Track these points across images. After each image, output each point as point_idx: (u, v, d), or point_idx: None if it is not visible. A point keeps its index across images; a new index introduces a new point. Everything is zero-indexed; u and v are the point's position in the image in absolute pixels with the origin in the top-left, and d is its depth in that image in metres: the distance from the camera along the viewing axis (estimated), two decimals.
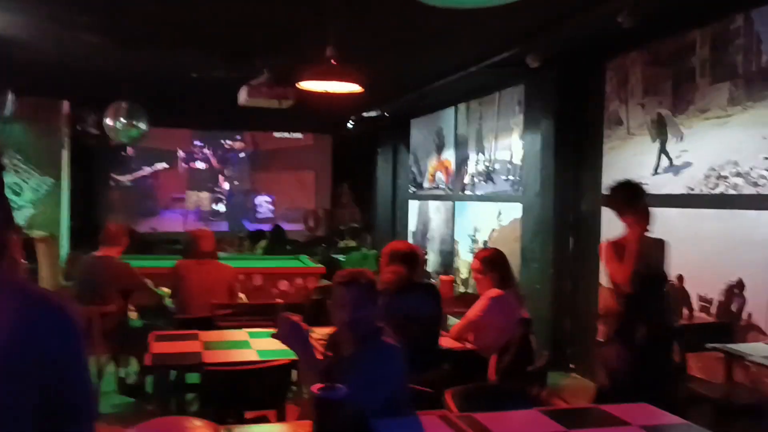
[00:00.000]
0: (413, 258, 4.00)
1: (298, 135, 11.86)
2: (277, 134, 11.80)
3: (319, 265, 7.30)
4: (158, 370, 3.54)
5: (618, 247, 3.74)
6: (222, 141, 11.77)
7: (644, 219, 3.74)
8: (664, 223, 5.13)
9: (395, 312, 3.41)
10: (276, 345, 3.77)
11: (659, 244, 3.95)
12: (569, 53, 5.92)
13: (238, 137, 11.83)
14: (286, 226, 10.01)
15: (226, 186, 11.82)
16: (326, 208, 11.71)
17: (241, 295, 5.24)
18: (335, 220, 11.30)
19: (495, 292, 3.91)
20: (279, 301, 4.74)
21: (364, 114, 9.50)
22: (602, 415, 2.57)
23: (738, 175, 4.48)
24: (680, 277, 4.96)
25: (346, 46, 4.56)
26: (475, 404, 2.71)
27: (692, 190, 4.88)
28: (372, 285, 2.62)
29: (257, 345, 3.80)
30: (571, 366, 6.17)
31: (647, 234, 3.78)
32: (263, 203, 11.96)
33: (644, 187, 5.31)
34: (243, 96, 5.79)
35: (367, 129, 10.14)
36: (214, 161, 11.80)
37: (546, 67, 5.68)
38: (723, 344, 3.97)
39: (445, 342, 3.90)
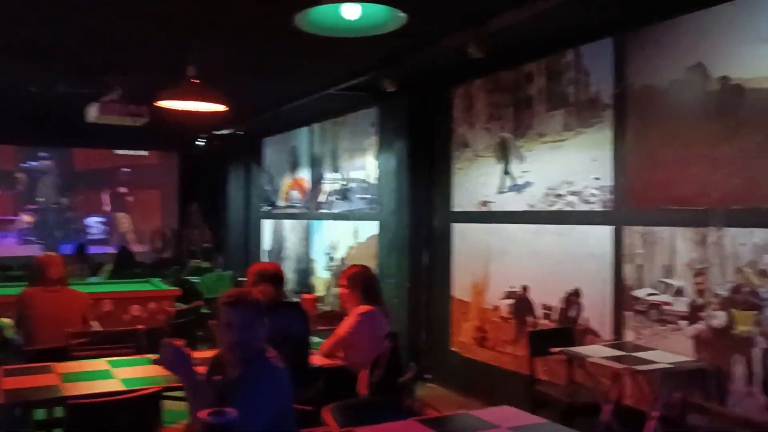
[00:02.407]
0: (280, 278, 4.04)
1: (143, 153, 11.37)
2: (119, 152, 11.22)
3: (174, 288, 7.07)
4: (12, 408, 3.29)
5: None
6: (53, 158, 10.97)
7: None
8: (508, 238, 5.58)
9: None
10: (141, 373, 3.69)
11: None
12: (421, 79, 6.25)
13: (70, 155, 11.06)
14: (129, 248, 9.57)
15: (55, 206, 11.01)
16: (174, 229, 11.32)
17: (93, 323, 4.98)
18: (185, 241, 10.95)
19: (364, 308, 4.04)
20: (140, 326, 4.56)
21: (216, 132, 9.35)
22: (473, 420, 2.77)
23: (573, 193, 4.97)
24: (525, 288, 5.39)
25: (202, 65, 4.52)
26: (352, 419, 2.81)
27: (533, 207, 5.33)
28: (258, 305, 2.64)
29: (120, 374, 3.64)
30: (426, 376, 6.45)
31: None
32: (94, 224, 11.26)
33: (490, 204, 5.78)
34: (93, 113, 5.52)
35: (217, 147, 9.97)
36: (41, 180, 10.95)
37: (398, 92, 5.96)
38: (565, 348, 4.38)
39: (315, 360, 3.97)
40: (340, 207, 8.06)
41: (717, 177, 3.92)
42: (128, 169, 11.33)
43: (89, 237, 10.98)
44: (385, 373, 3.63)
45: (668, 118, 4.25)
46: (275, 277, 3.91)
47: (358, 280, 4.19)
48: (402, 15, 2.69)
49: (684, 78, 4.13)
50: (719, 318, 3.89)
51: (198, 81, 4.34)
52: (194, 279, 8.32)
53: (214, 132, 9.42)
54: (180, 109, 4.76)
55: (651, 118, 4.37)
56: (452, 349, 6.28)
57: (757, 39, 3.71)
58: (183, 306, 6.39)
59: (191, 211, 11.39)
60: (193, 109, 4.78)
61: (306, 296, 5.28)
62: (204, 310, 6.09)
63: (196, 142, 9.73)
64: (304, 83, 6.53)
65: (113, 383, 3.47)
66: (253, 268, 4.06)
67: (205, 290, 7.72)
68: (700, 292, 4.01)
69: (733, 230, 3.83)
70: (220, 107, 4.61)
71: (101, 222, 11.22)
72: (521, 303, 5.44)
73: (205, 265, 9.35)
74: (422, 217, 6.61)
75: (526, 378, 4.74)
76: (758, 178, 3.71)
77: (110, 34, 4.86)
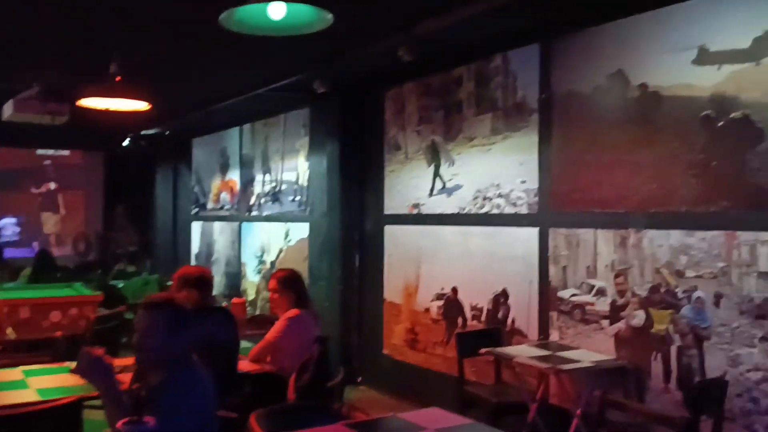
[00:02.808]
0: (205, 282, 3.95)
1: (65, 152, 10.94)
2: (39, 151, 10.75)
3: (96, 293, 6.83)
4: None
5: None
6: None
7: None
8: (439, 240, 5.63)
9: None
10: (59, 382, 3.53)
11: None
12: (353, 81, 6.25)
13: None
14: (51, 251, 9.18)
15: None
16: (98, 231, 10.94)
17: (8, 330, 4.75)
18: (110, 244, 10.60)
19: (293, 312, 4.00)
20: (58, 333, 4.37)
21: (143, 132, 9.09)
22: (401, 422, 2.78)
23: (500, 196, 5.06)
24: (455, 289, 5.45)
25: (126, 63, 4.39)
26: (279, 425, 2.77)
27: (463, 209, 5.40)
28: (178, 310, 2.58)
29: (36, 384, 3.48)
30: (358, 379, 6.44)
31: None
32: (10, 226, 10.73)
33: (421, 207, 5.82)
34: (8, 110, 5.26)
35: (144, 147, 9.71)
36: None
37: (330, 93, 5.93)
38: (493, 348, 4.45)
39: (243, 365, 3.90)
40: (270, 209, 7.97)
41: (636, 181, 4.06)
42: (49, 169, 10.88)
43: (4, 240, 10.48)
44: (314, 377, 3.59)
45: (591, 124, 4.37)
46: (200, 282, 3.82)
47: (288, 282, 4.15)
48: (329, 16, 2.67)
49: (605, 84, 4.27)
50: (638, 317, 4.04)
51: (121, 78, 4.20)
52: (119, 283, 8.06)
53: (141, 132, 9.16)
54: (103, 107, 4.60)
55: (574, 123, 4.50)
56: (384, 351, 6.29)
57: (673, 48, 3.87)
58: (106, 311, 6.17)
59: (117, 213, 11.03)
60: (116, 108, 4.63)
61: (235, 300, 5.20)
62: (128, 316, 5.90)
63: (122, 142, 9.44)
64: (233, 83, 6.43)
65: (27, 393, 3.32)
66: (178, 272, 3.97)
67: (130, 295, 7.49)
68: (621, 293, 4.15)
69: (651, 232, 3.98)
70: (144, 105, 4.48)
71: (17, 224, 10.72)
72: (451, 304, 5.50)
73: (131, 268, 9.08)
74: (354, 219, 6.60)
75: (456, 379, 4.78)
76: (674, 183, 3.87)
77: (27, 28, 4.65)
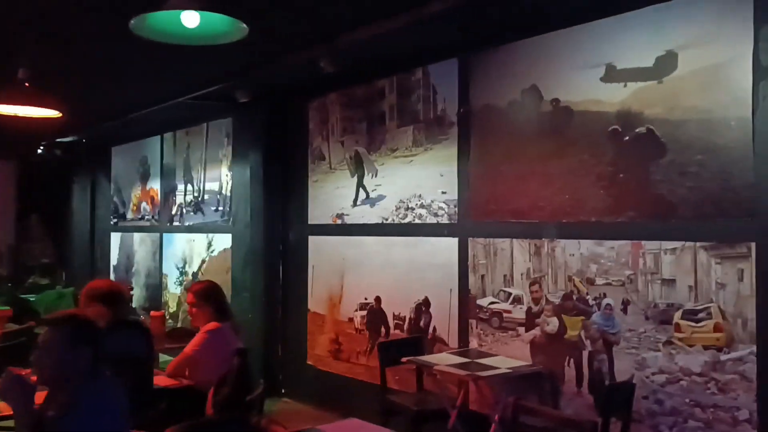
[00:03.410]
0: (115, 296, 3.86)
1: None
2: None
3: (5, 307, 6.52)
4: None
5: None
6: None
7: None
8: (363, 250, 5.66)
9: (102, 354, 3.25)
10: None
11: None
12: (275, 91, 6.22)
13: None
14: None
15: None
16: (10, 242, 10.45)
17: None
18: (22, 256, 10.14)
19: (212, 325, 3.94)
20: None
21: (58, 139, 8.76)
22: None
23: (422, 206, 5.13)
24: (378, 299, 5.49)
25: (36, 68, 4.24)
26: None
27: (386, 219, 5.45)
28: (81, 325, 2.50)
29: None
30: (282, 391, 6.38)
31: None
32: None
33: (345, 217, 5.84)
34: None
35: (60, 155, 9.35)
36: None
37: (253, 103, 5.89)
38: (414, 357, 4.50)
39: (160, 380, 3.81)
40: (193, 219, 7.82)
41: (549, 192, 4.21)
42: None
43: None
44: (233, 390, 3.54)
45: (506, 137, 4.50)
46: (109, 296, 3.73)
47: (205, 295, 4.08)
48: (244, 26, 2.66)
49: (520, 99, 4.41)
50: (552, 324, 4.17)
51: (30, 84, 4.05)
52: (31, 297, 7.72)
53: (56, 139, 8.83)
54: (11, 113, 4.42)
55: (491, 136, 4.62)
56: (308, 362, 6.25)
57: (583, 65, 4.04)
58: (15, 327, 5.89)
59: (31, 224, 10.57)
60: (26, 114, 4.46)
61: (154, 313, 5.06)
62: (39, 331, 5.65)
63: (36, 150, 9.06)
64: (150, 91, 6.29)
65: None
66: (86, 287, 3.87)
67: (42, 309, 7.17)
68: (536, 300, 4.28)
69: (563, 242, 4.13)
70: (55, 113, 4.33)
71: None
72: (374, 314, 5.53)
73: (44, 281, 8.71)
74: (277, 229, 6.55)
75: (379, 388, 4.81)
76: (584, 194, 4.03)
77: None
